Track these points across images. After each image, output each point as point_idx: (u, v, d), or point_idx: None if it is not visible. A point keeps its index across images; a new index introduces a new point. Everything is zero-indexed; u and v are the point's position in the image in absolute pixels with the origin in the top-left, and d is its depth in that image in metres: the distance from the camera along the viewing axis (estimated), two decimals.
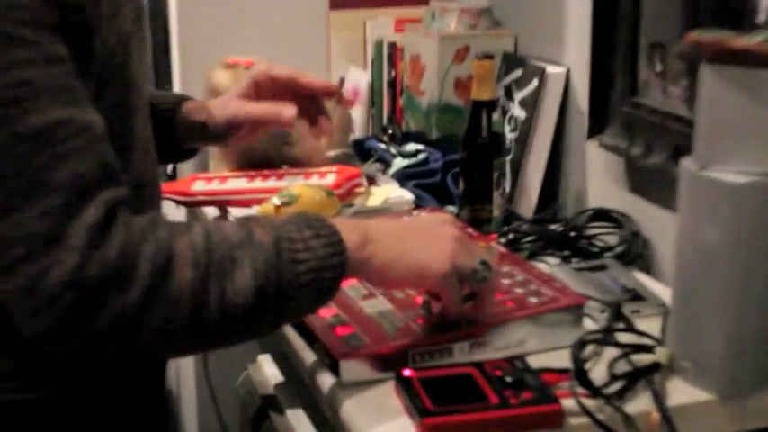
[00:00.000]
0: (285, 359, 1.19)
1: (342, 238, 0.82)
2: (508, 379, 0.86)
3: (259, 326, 0.80)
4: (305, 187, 1.32)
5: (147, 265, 0.74)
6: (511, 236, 1.27)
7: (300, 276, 0.79)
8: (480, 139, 1.29)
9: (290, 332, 1.02)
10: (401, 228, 0.89)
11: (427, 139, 1.60)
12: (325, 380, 0.92)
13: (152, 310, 0.74)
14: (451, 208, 1.39)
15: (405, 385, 0.86)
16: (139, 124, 0.90)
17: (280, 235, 0.80)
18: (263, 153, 1.49)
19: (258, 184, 1.42)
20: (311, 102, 1.16)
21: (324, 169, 1.42)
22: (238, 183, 1.42)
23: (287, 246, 0.79)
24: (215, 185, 1.42)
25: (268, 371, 1.46)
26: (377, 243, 0.85)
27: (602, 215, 1.31)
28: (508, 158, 1.43)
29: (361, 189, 1.42)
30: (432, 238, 0.88)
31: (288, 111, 1.10)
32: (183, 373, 2.03)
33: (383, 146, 1.62)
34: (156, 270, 0.74)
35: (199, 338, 0.78)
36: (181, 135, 1.16)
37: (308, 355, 0.97)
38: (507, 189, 1.40)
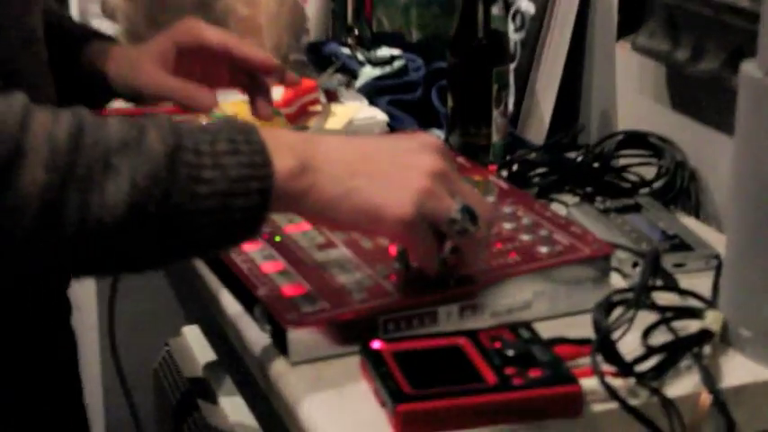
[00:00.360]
0: (217, 331, 1.18)
1: (269, 159, 0.82)
2: (510, 353, 0.86)
3: (134, 254, 0.81)
4: (243, 104, 1.30)
5: None
6: (515, 167, 1.28)
7: (199, 200, 0.79)
8: (475, 41, 1.29)
9: (222, 294, 1.02)
10: (360, 152, 0.88)
11: (405, 42, 1.61)
12: (269, 356, 0.92)
13: None
14: (437, 132, 1.39)
15: (374, 362, 0.86)
16: (10, 3, 0.90)
17: (181, 144, 0.80)
18: None
19: None
20: (249, 76, 1.21)
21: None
22: None
23: (188, 159, 0.79)
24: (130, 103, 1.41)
25: (195, 347, 1.47)
26: (320, 171, 0.84)
27: (635, 140, 1.31)
28: (512, 67, 1.43)
29: (318, 107, 1.43)
30: (398, 171, 0.86)
31: (206, 100, 1.17)
32: (85, 350, 2.03)
33: (347, 51, 1.62)
34: None
35: (51, 259, 0.79)
36: (83, 80, 1.18)
37: (247, 324, 0.96)
38: (511, 107, 1.41)
